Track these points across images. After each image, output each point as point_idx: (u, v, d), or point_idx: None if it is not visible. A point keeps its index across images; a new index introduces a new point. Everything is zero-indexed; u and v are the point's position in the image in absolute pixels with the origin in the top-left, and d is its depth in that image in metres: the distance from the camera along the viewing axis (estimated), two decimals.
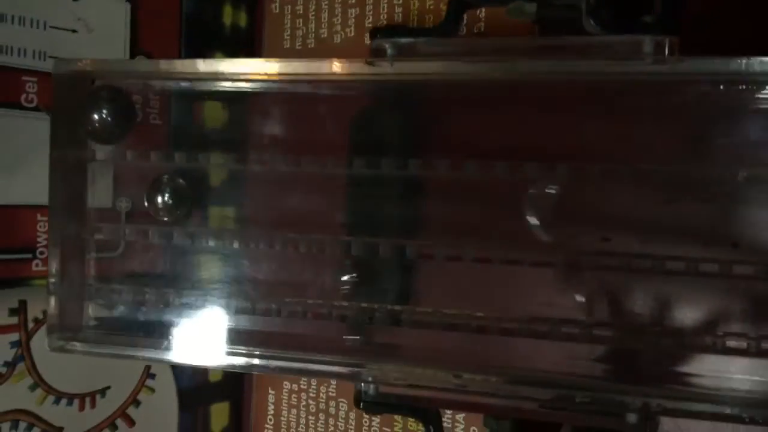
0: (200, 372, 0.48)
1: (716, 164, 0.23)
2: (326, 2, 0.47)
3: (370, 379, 0.25)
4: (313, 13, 0.48)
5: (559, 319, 0.24)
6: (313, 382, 0.46)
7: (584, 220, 0.25)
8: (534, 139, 0.25)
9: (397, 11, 0.44)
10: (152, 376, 0.47)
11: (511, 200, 0.25)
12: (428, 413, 0.25)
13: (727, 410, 0.22)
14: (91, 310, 0.29)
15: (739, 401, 0.23)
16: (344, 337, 0.24)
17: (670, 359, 0.24)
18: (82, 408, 0.43)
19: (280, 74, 0.25)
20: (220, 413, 0.50)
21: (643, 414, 0.22)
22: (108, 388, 0.45)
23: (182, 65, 0.29)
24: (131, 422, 0.46)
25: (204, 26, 0.49)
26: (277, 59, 0.25)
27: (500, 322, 0.24)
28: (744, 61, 0.21)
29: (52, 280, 0.27)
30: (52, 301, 0.28)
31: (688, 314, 0.24)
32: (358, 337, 0.24)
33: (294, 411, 0.48)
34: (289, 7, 0.49)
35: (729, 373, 0.23)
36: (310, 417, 0.47)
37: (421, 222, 0.27)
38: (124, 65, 0.28)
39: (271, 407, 0.49)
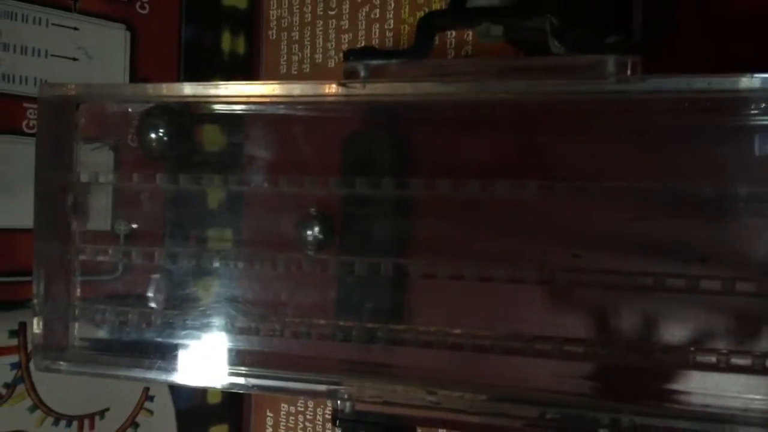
0: (199, 394, 0.49)
1: (682, 180, 0.23)
2: (320, 28, 0.48)
3: (346, 396, 0.25)
4: (308, 39, 0.49)
5: (532, 336, 0.24)
6: (310, 404, 0.47)
7: (555, 237, 0.25)
8: (505, 157, 0.25)
9: (387, 35, 0.45)
10: (151, 399, 0.47)
11: (484, 217, 0.25)
12: (405, 431, 0.26)
13: (698, 426, 0.22)
14: (78, 331, 0.29)
15: (712, 417, 0.23)
16: None
17: (642, 375, 0.24)
18: (80, 430, 0.44)
19: (257, 96, 0.26)
20: None
21: (615, 431, 0.22)
22: (107, 410, 0.45)
23: (168, 89, 0.29)
24: None
25: (203, 53, 0.50)
26: (254, 82, 0.26)
27: (476, 339, 0.25)
28: (707, 79, 0.22)
29: (37, 300, 0.28)
30: (36, 321, 0.28)
31: (658, 330, 0.24)
32: None
33: None
34: (286, 33, 0.50)
35: (702, 389, 0.23)
36: None
37: (398, 240, 0.27)
38: (108, 89, 0.29)
39: (269, 430, 0.49)
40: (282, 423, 0.49)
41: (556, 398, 0.23)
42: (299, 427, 0.47)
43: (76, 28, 0.44)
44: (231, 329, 0.27)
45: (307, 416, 0.47)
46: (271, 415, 0.49)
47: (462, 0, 0.24)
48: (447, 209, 0.26)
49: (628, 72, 0.22)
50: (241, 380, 0.27)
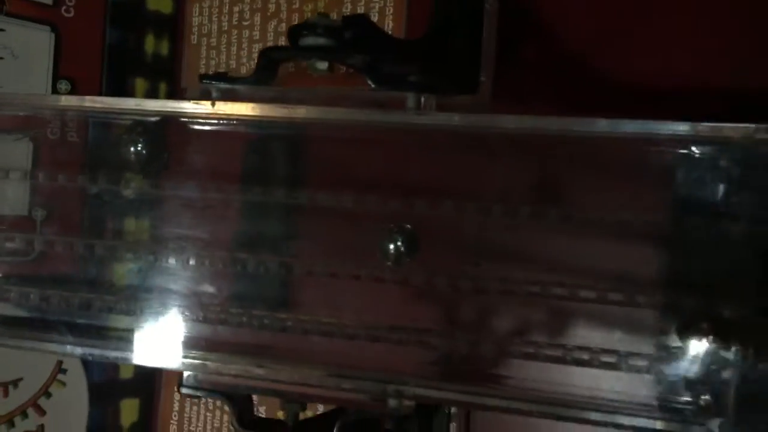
0: (111, 369, 0.53)
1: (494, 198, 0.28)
2: (235, 37, 0.53)
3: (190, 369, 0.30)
4: (225, 45, 0.53)
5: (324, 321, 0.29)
6: None
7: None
8: (331, 173, 0.30)
9: None
10: (63, 371, 0.51)
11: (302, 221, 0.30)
12: (238, 397, 0.30)
13: (462, 397, 0.27)
14: None
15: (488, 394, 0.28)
16: None
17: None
18: None
19: (126, 110, 0.30)
20: (130, 409, 0.54)
21: (400, 400, 0.27)
22: (20, 379, 0.49)
23: (66, 100, 0.34)
24: (42, 412, 0.50)
25: (126, 54, 0.54)
26: (124, 98, 0.30)
27: (303, 324, 0.29)
28: (480, 117, 0.26)
29: None
30: None
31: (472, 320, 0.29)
32: None
33: (195, 408, 0.52)
34: (206, 39, 0.54)
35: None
36: (208, 413, 0.52)
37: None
38: (12, 98, 0.33)
39: (176, 404, 0.53)
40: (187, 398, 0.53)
41: (352, 372, 0.28)
42: (202, 401, 0.52)
43: (2, 29, 0.48)
44: (105, 309, 0.31)
45: None
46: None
47: (297, 37, 0.28)
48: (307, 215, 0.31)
49: (421, 107, 0.27)
50: (100, 351, 0.31)
